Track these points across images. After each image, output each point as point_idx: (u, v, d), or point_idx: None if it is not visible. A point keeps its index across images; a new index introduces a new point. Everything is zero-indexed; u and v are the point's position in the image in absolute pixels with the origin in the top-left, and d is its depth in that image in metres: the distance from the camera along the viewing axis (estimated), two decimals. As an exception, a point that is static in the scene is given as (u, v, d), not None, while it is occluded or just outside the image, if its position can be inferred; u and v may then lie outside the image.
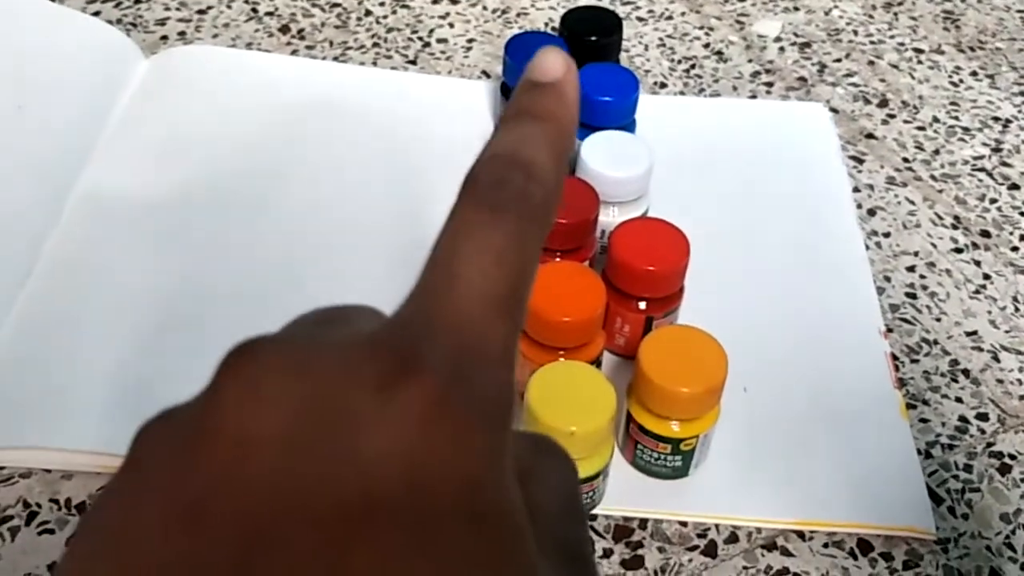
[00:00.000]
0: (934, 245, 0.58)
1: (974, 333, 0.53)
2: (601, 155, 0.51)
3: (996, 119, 0.66)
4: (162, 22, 0.71)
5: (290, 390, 0.16)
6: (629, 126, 0.56)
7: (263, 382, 0.16)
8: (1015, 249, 0.58)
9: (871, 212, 0.59)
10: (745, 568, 0.44)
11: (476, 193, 0.18)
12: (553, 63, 0.20)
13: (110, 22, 0.68)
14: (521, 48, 0.57)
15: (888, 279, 0.56)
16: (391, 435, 0.16)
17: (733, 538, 0.45)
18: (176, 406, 0.17)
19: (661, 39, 0.71)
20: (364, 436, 0.16)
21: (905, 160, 0.63)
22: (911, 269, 0.56)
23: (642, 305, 0.48)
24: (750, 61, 0.70)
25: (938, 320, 0.54)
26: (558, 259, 0.49)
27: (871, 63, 0.70)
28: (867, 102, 0.67)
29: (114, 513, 0.16)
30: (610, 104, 0.55)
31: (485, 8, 0.73)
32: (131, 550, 0.15)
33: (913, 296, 0.55)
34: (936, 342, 0.53)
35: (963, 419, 0.49)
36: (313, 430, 0.16)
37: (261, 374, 0.16)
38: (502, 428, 0.17)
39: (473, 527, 0.15)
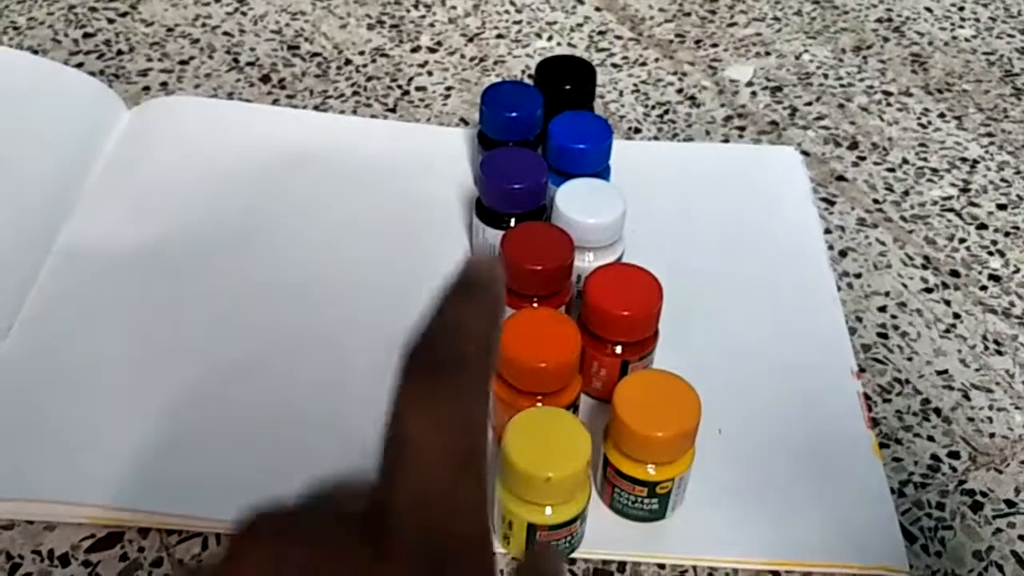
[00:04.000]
0: (904, 285, 0.59)
1: (945, 372, 0.54)
2: (575, 202, 0.52)
3: (964, 159, 0.67)
4: (144, 73, 0.72)
5: (295, 558, 0.20)
6: (603, 172, 0.57)
7: (275, 552, 0.20)
8: (984, 288, 0.59)
9: (843, 253, 0.60)
10: (722, 609, 0.44)
11: (415, 366, 0.20)
12: (485, 257, 0.24)
13: (92, 73, 0.69)
14: (496, 97, 0.59)
15: (860, 319, 0.57)
16: None
17: (710, 580, 0.45)
18: (200, 567, 0.21)
19: (635, 85, 0.72)
20: None
21: (875, 201, 0.64)
22: (882, 309, 0.57)
23: (618, 349, 0.49)
24: (723, 106, 0.71)
25: (909, 360, 0.55)
26: (535, 305, 0.50)
27: (841, 106, 0.71)
28: (838, 145, 0.68)
29: None
30: (584, 152, 0.56)
31: (463, 56, 0.74)
32: None
33: (885, 336, 0.56)
34: (908, 381, 0.54)
35: (935, 457, 0.50)
36: None
37: (274, 545, 0.20)
38: None
39: None
